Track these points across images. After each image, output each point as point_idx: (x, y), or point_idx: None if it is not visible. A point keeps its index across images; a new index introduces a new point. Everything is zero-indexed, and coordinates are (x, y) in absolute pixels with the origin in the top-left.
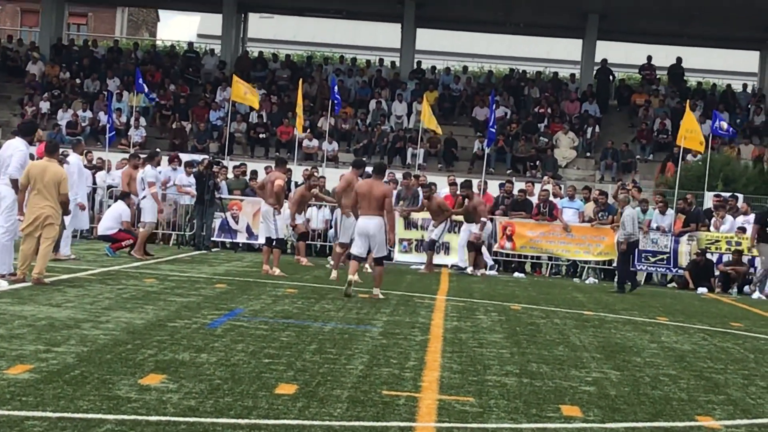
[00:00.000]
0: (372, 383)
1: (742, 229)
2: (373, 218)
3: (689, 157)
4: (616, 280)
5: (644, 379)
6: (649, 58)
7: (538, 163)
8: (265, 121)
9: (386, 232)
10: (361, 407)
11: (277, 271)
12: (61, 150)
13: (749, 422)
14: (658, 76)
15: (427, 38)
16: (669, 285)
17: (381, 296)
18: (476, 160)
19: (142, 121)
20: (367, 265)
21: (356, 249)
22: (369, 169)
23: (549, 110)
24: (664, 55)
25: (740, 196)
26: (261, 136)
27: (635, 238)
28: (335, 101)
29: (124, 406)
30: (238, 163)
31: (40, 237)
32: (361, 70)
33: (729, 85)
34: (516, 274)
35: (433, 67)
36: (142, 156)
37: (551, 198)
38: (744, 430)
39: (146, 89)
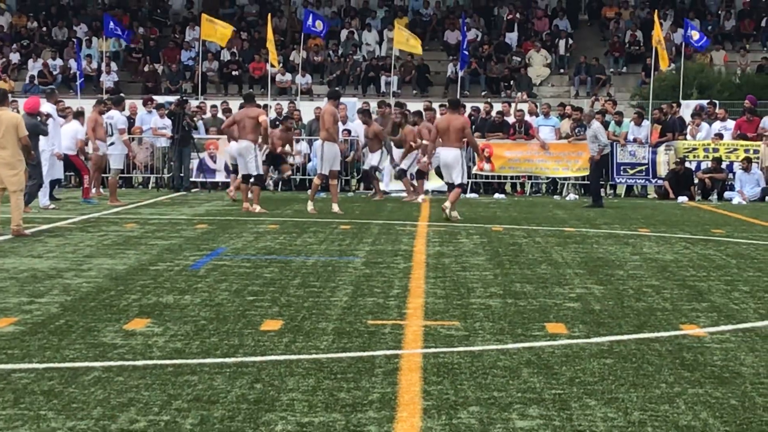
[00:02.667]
0: (357, 314)
1: (719, 136)
2: (452, 149)
3: (664, 67)
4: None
5: (628, 292)
6: None
7: (512, 82)
8: (237, 58)
9: (464, 161)
10: (347, 338)
11: (257, 208)
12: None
13: (733, 327)
14: None
15: None
16: (649, 196)
17: (458, 216)
18: (450, 84)
19: (114, 66)
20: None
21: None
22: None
23: (518, 30)
24: None
25: (716, 103)
26: (234, 73)
27: (607, 151)
28: (313, 32)
29: (111, 353)
30: (218, 102)
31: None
32: (329, 0)
33: None
34: (497, 195)
35: None
36: (107, 101)
37: (527, 117)
38: (729, 335)
39: (120, 31)
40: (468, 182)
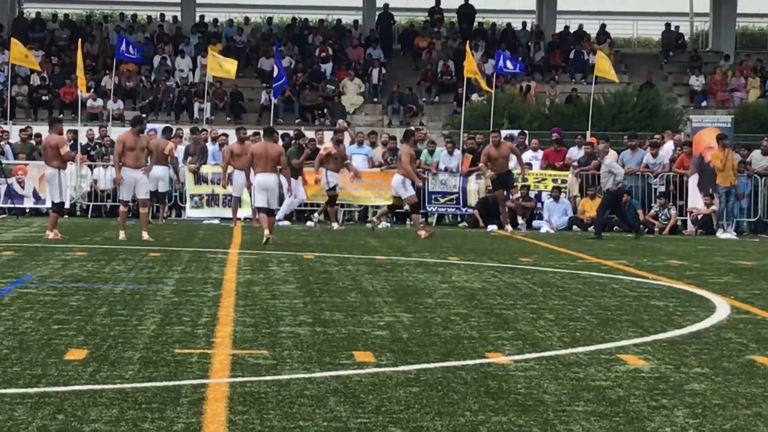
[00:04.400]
0: (164, 342)
1: (529, 165)
2: (270, 175)
3: (474, 96)
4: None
5: (436, 320)
6: (437, 1)
7: (326, 111)
8: (47, 82)
9: (280, 187)
10: (153, 367)
11: (50, 235)
12: None
13: (538, 355)
14: (449, 19)
15: None
16: (460, 224)
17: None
18: (264, 111)
19: None
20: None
21: (260, 203)
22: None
23: (331, 59)
24: None
25: (526, 133)
26: (44, 98)
27: (623, 183)
28: (126, 57)
29: None
30: (23, 127)
31: None
32: (142, 26)
33: (509, 24)
34: (308, 223)
35: (216, 20)
36: None
37: (342, 144)
38: (533, 363)
39: None
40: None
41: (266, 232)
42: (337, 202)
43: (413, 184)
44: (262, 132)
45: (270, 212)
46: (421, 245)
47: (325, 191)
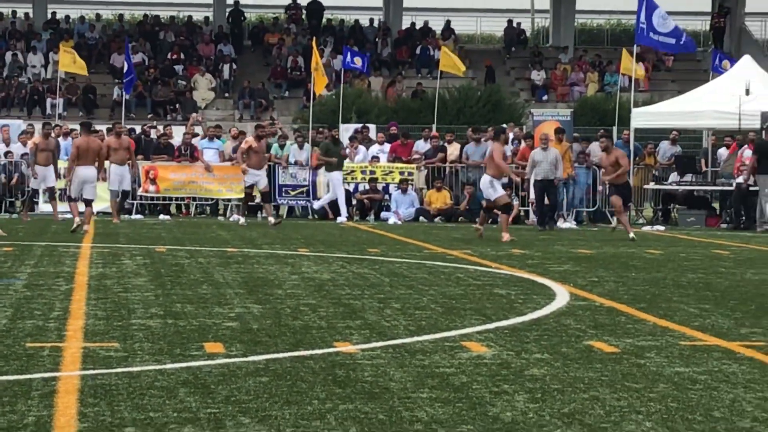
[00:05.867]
0: (16, 336)
1: (376, 158)
2: (90, 167)
3: (324, 92)
4: None
5: (285, 311)
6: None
7: (178, 105)
8: None
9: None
10: (5, 361)
11: None
12: None
13: (384, 344)
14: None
15: None
16: (310, 217)
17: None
18: (116, 107)
19: None
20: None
21: (75, 193)
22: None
23: (183, 55)
24: None
25: (373, 127)
26: None
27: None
28: None
29: None
30: None
31: None
32: None
33: (357, 21)
34: (161, 216)
35: (67, 17)
36: None
37: (192, 140)
38: (380, 351)
39: None
40: (134, 204)
41: (77, 219)
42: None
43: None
44: (80, 126)
45: (88, 203)
46: (272, 237)
47: (246, 189)
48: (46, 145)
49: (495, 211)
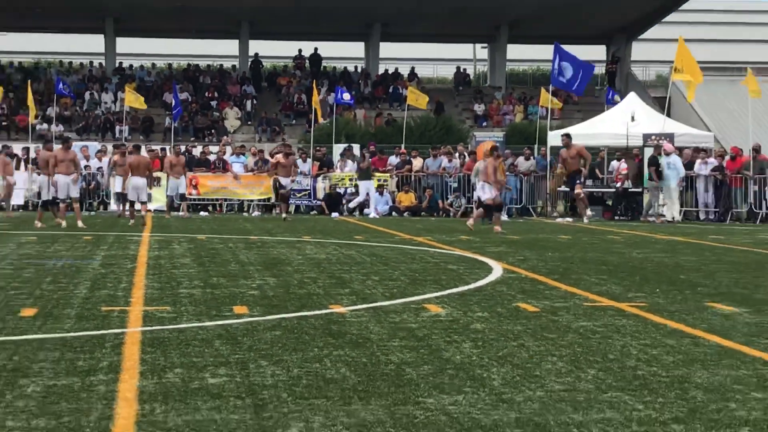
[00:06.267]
0: (94, 302)
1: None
2: (141, 178)
3: (321, 121)
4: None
5: (293, 282)
6: (300, 51)
7: (213, 131)
8: (5, 112)
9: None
10: (86, 321)
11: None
12: None
13: (366, 306)
14: (306, 64)
15: (125, 44)
16: (311, 213)
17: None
18: (167, 132)
19: None
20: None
21: (131, 196)
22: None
23: (216, 94)
24: (307, 48)
25: (357, 146)
26: (3, 123)
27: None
28: (63, 93)
29: None
30: None
31: None
32: (76, 70)
33: (345, 67)
34: (201, 212)
35: (131, 65)
36: None
37: (224, 156)
38: (363, 312)
39: None
40: (180, 204)
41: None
42: (287, 199)
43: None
44: (133, 146)
45: (143, 204)
46: (283, 228)
47: (279, 191)
48: (123, 162)
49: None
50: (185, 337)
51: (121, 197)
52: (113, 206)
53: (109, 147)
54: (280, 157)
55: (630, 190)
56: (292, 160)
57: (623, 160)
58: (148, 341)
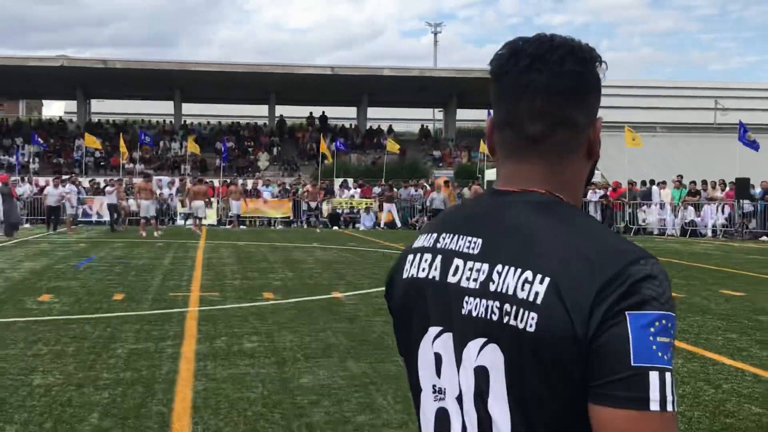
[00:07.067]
0: (165, 289)
1: (353, 196)
2: (200, 201)
3: (326, 162)
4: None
5: (306, 275)
6: (311, 113)
7: (249, 169)
8: (104, 155)
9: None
10: (159, 303)
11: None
12: None
13: (357, 292)
14: (315, 122)
15: (189, 107)
16: (319, 228)
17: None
18: (217, 170)
19: None
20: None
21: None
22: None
23: (252, 143)
24: (317, 111)
25: (351, 180)
26: (101, 163)
27: None
28: (145, 143)
29: (29, 313)
30: (90, 179)
31: None
32: (154, 126)
33: (343, 125)
34: (241, 226)
35: (192, 122)
36: None
37: (258, 187)
38: (356, 298)
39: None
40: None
41: (195, 230)
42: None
43: None
44: (197, 179)
45: (200, 220)
46: (298, 236)
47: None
48: (199, 189)
49: None
50: (228, 315)
51: (187, 216)
52: (179, 222)
53: (177, 180)
54: (309, 187)
55: None
56: (317, 189)
57: None
58: (202, 317)
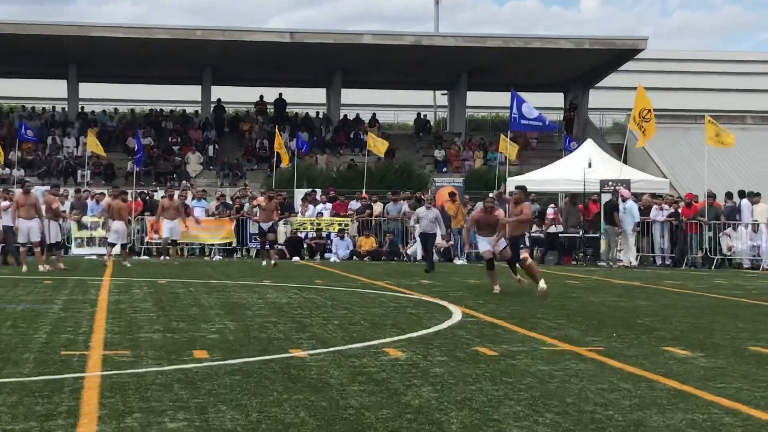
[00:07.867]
0: (53, 346)
1: (321, 214)
2: (120, 222)
3: (283, 166)
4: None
5: (254, 326)
6: (261, 96)
7: (175, 176)
8: None
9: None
10: (45, 365)
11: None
12: None
13: (326, 350)
14: (268, 109)
15: (88, 89)
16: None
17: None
18: (129, 176)
19: None
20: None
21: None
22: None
23: (179, 139)
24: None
25: (319, 191)
26: None
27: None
28: (26, 139)
29: None
30: None
31: None
32: (38, 115)
33: (307, 113)
34: (161, 257)
35: (93, 111)
36: None
37: (187, 201)
38: (323, 356)
39: None
40: (142, 248)
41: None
42: (274, 245)
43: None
44: (119, 191)
45: (113, 246)
46: (243, 272)
47: (267, 236)
48: (121, 206)
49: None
50: (144, 382)
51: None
52: (76, 251)
53: (71, 191)
54: (261, 200)
55: (560, 234)
56: (274, 204)
57: (551, 205)
58: (107, 386)
